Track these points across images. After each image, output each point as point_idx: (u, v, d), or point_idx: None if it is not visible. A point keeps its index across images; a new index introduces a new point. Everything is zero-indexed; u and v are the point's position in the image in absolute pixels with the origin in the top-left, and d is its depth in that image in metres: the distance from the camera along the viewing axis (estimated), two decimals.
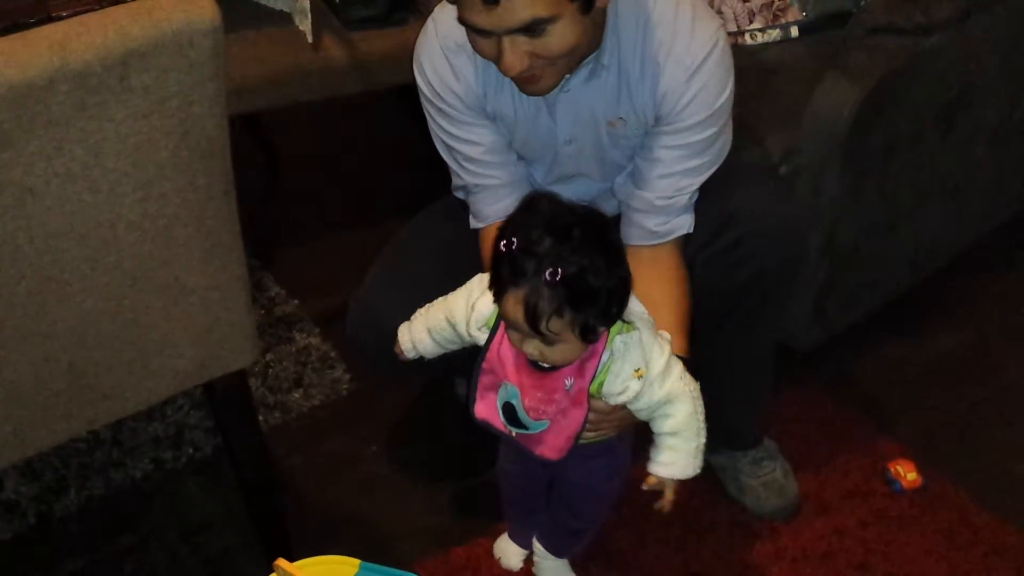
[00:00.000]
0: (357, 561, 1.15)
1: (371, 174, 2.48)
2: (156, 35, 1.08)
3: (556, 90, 1.35)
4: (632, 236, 1.43)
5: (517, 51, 1.24)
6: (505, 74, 1.28)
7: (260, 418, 1.72)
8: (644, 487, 1.34)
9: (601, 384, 1.26)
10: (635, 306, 1.26)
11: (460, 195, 1.54)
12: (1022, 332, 2.03)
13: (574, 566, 1.60)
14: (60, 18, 1.09)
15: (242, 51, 1.80)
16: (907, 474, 1.74)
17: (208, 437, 1.84)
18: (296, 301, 2.11)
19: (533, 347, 1.21)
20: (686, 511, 1.69)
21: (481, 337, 1.30)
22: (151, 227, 1.20)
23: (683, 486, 1.34)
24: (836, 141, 1.65)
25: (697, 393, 1.30)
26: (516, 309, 1.17)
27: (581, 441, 1.31)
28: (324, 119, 2.49)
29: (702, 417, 1.30)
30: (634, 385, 1.25)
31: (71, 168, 1.11)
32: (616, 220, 1.47)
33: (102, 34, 1.05)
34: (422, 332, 1.38)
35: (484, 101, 1.41)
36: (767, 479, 1.71)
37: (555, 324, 1.16)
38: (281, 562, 1.12)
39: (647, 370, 1.25)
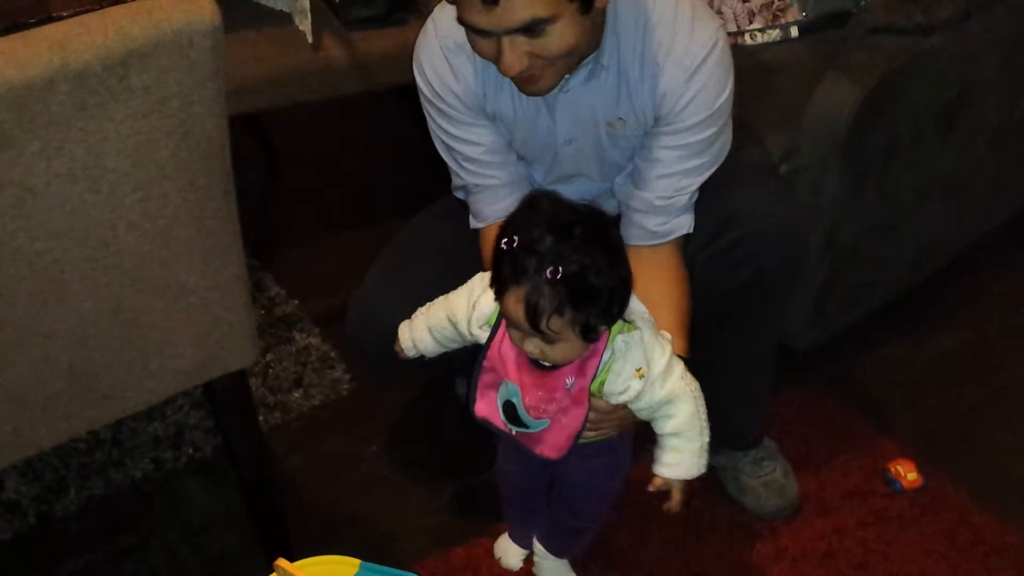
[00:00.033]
0: (357, 561, 1.15)
1: (371, 174, 2.48)
2: (156, 35, 1.08)
3: (556, 90, 1.35)
4: (632, 236, 1.43)
5: (516, 51, 1.24)
6: (504, 74, 1.28)
7: (260, 418, 1.72)
8: (650, 488, 1.34)
9: (602, 383, 1.26)
10: (636, 305, 1.26)
11: (460, 195, 1.54)
12: (1022, 332, 2.03)
13: (574, 566, 1.60)
14: (60, 18, 1.09)
15: (242, 51, 1.80)
16: (907, 474, 1.74)
17: (208, 437, 1.84)
18: (296, 301, 2.11)
19: (534, 346, 1.21)
20: (686, 511, 1.68)
21: (482, 335, 1.30)
22: (151, 227, 1.20)
23: (687, 485, 1.34)
24: (836, 141, 1.65)
25: (698, 392, 1.30)
26: (517, 307, 1.17)
27: (581, 440, 1.31)
28: (324, 119, 2.49)
29: (704, 416, 1.30)
30: (635, 384, 1.25)
31: (71, 168, 1.11)
32: (616, 220, 1.47)
33: (102, 34, 1.05)
34: (423, 331, 1.38)
35: (484, 101, 1.41)
36: (767, 479, 1.71)
37: (556, 323, 1.16)
38: (281, 562, 1.12)
39: (648, 369, 1.25)
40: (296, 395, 1.93)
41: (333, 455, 1.83)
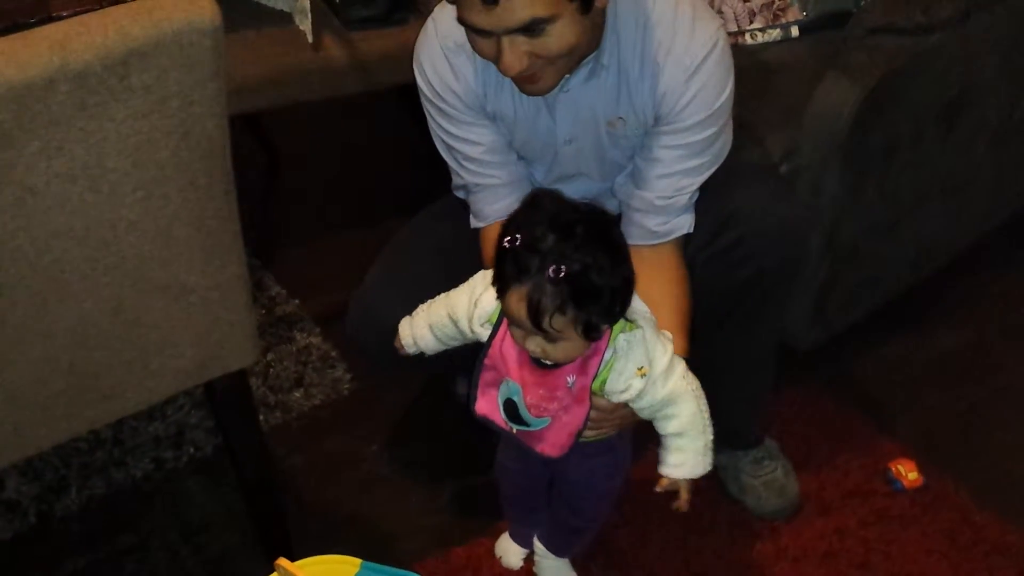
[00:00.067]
0: (358, 560, 1.15)
1: (371, 174, 2.48)
2: (156, 35, 1.08)
3: (556, 90, 1.35)
4: (632, 236, 1.42)
5: (516, 51, 1.24)
6: (504, 74, 1.28)
7: (261, 418, 1.72)
8: (657, 489, 1.34)
9: (604, 382, 1.26)
10: (638, 305, 1.26)
11: (460, 195, 1.54)
12: (1022, 332, 2.03)
13: (575, 565, 1.60)
14: (60, 18, 1.09)
15: (242, 51, 1.80)
16: (908, 473, 1.74)
17: (209, 437, 1.84)
18: (297, 301, 2.11)
19: (536, 344, 1.21)
20: (686, 511, 1.69)
21: (483, 333, 1.30)
22: (151, 227, 1.20)
23: (694, 483, 1.34)
24: (836, 141, 1.65)
25: (700, 391, 1.30)
26: (519, 306, 1.17)
27: (582, 439, 1.31)
28: (324, 119, 2.49)
29: (707, 414, 1.31)
30: (637, 383, 1.25)
31: (71, 168, 1.11)
32: (617, 219, 1.47)
33: (102, 34, 1.05)
34: (423, 328, 1.38)
35: (484, 101, 1.41)
36: (768, 479, 1.71)
37: (558, 321, 1.16)
38: (282, 561, 1.12)
39: (650, 368, 1.25)
40: (297, 395, 1.93)
41: (334, 455, 1.83)
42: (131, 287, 1.23)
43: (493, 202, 1.47)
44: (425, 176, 1.65)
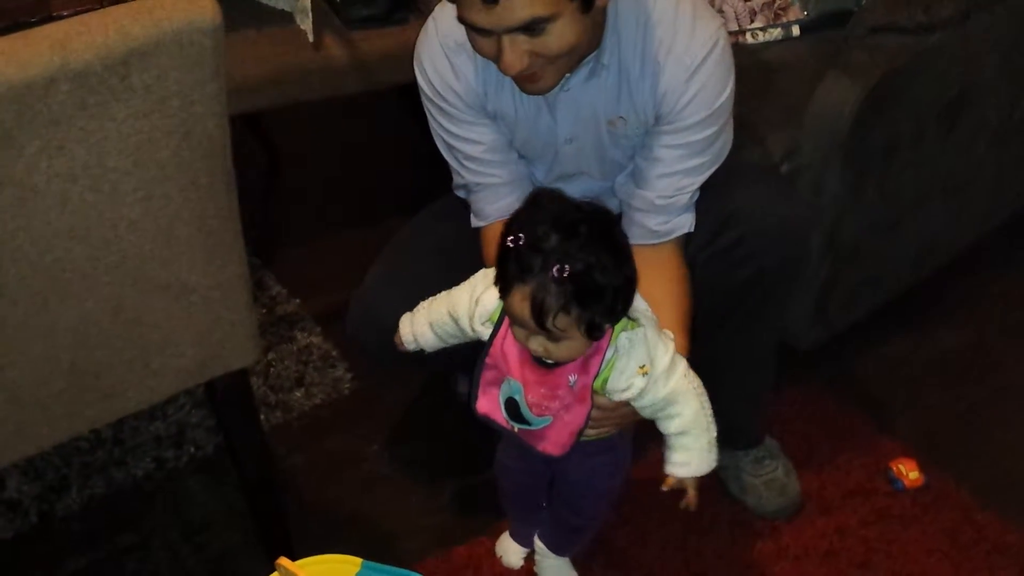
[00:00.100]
0: (359, 560, 1.15)
1: (372, 173, 2.48)
2: (157, 34, 1.08)
3: (556, 89, 1.35)
4: (633, 235, 1.42)
5: (517, 50, 1.24)
6: (505, 73, 1.28)
7: (261, 417, 1.72)
8: (664, 488, 1.34)
9: (605, 380, 1.26)
10: (639, 303, 1.26)
11: (461, 194, 1.54)
12: (1022, 331, 2.03)
13: (575, 565, 1.60)
14: (61, 17, 1.09)
15: (243, 50, 1.80)
16: (909, 473, 1.74)
17: (210, 436, 1.84)
18: (297, 300, 2.11)
19: (538, 343, 1.21)
20: (687, 510, 1.69)
21: (484, 332, 1.30)
22: (152, 226, 1.20)
23: (700, 480, 1.34)
24: (837, 140, 1.65)
25: (701, 389, 1.30)
26: (522, 305, 1.17)
27: (583, 438, 1.31)
28: (325, 118, 2.49)
29: (709, 412, 1.31)
30: (638, 382, 1.25)
31: (72, 167, 1.11)
32: (617, 219, 1.47)
33: (103, 33, 1.05)
34: (424, 325, 1.38)
35: (484, 100, 1.41)
36: (769, 478, 1.71)
37: (561, 321, 1.16)
38: (283, 561, 1.12)
39: (652, 367, 1.25)
40: (297, 394, 1.93)
41: (334, 454, 1.83)
42: (132, 286, 1.23)
43: (494, 201, 1.47)
44: (426, 175, 1.65)
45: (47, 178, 1.10)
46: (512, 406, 1.29)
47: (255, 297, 1.65)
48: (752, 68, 1.79)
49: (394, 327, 1.42)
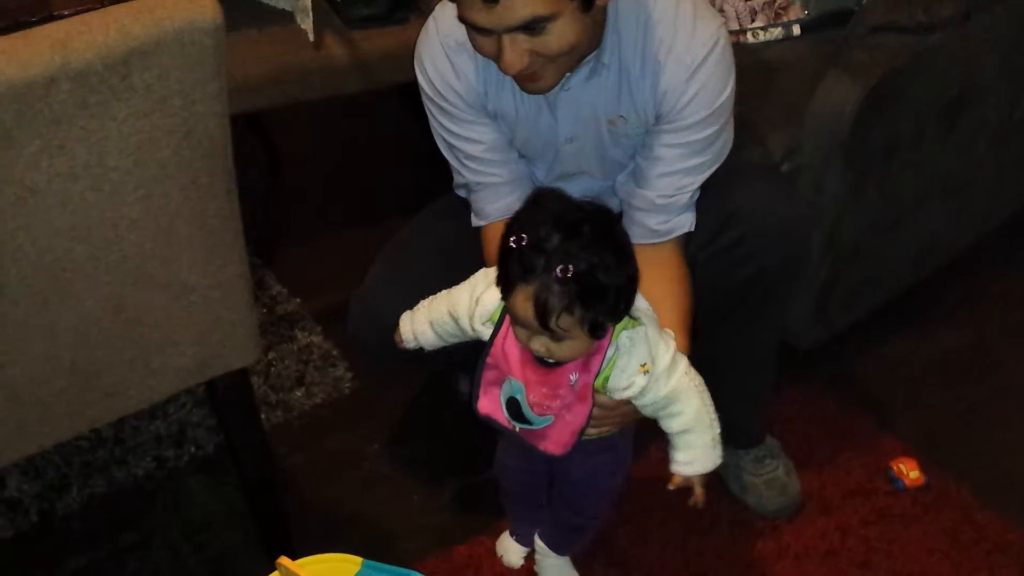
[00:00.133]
0: (359, 559, 1.15)
1: (372, 173, 2.48)
2: (158, 34, 1.08)
3: (557, 88, 1.35)
4: (633, 235, 1.42)
5: (517, 49, 1.24)
6: (505, 72, 1.28)
7: (262, 416, 1.72)
8: (670, 487, 1.35)
9: (606, 379, 1.26)
10: (640, 302, 1.26)
11: (462, 193, 1.54)
12: (1022, 331, 2.03)
13: (576, 564, 1.60)
14: (62, 16, 1.09)
15: (244, 50, 1.80)
16: (909, 472, 1.74)
17: (210, 435, 1.84)
18: (298, 299, 2.11)
19: (540, 344, 1.21)
20: (687, 509, 1.69)
21: (484, 332, 1.30)
22: (153, 225, 1.20)
23: (706, 477, 1.34)
24: (838, 139, 1.65)
25: (703, 387, 1.30)
26: (526, 306, 1.17)
27: (584, 438, 1.31)
28: (325, 118, 2.50)
29: (712, 409, 1.31)
30: (640, 380, 1.25)
31: (73, 167, 1.11)
32: (618, 218, 1.47)
33: (104, 33, 1.05)
34: (424, 324, 1.38)
35: (485, 99, 1.41)
36: (769, 477, 1.71)
37: (565, 321, 1.16)
38: (283, 560, 1.12)
39: (653, 365, 1.25)
40: (298, 393, 1.93)
41: (335, 453, 1.83)
42: (133, 286, 1.23)
43: (494, 200, 1.47)
44: (426, 175, 1.65)
45: (48, 177, 1.10)
46: (513, 406, 1.29)
47: (255, 296, 1.65)
48: (753, 67, 1.79)
49: (394, 326, 1.42)
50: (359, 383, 1.94)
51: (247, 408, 1.51)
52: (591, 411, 1.28)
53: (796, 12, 1.92)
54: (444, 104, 1.42)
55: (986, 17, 1.76)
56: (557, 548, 1.57)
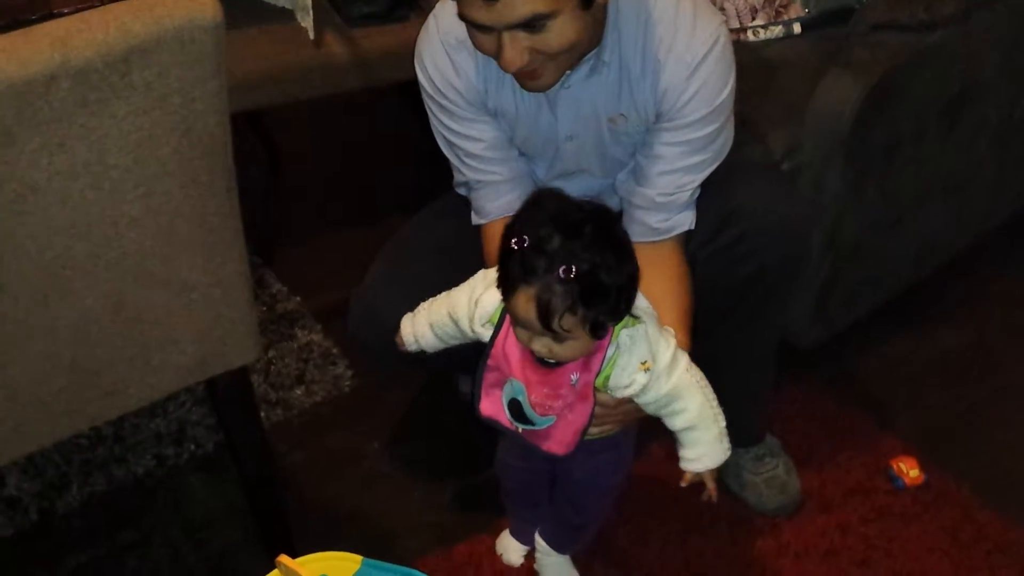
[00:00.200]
0: (359, 557, 1.15)
1: (372, 171, 2.48)
2: (158, 31, 1.07)
3: (557, 86, 1.35)
4: (634, 233, 1.42)
5: (517, 47, 1.24)
6: (505, 70, 1.28)
7: (262, 414, 1.72)
8: (682, 484, 1.35)
9: (607, 378, 1.26)
10: (640, 301, 1.26)
11: (462, 191, 1.54)
12: (1022, 331, 2.03)
13: (576, 563, 1.60)
14: (62, 14, 1.09)
15: (243, 48, 1.80)
16: (909, 471, 1.74)
17: (210, 433, 1.84)
18: (298, 298, 2.11)
19: (542, 344, 1.20)
20: (687, 508, 1.69)
21: (484, 333, 1.30)
22: (153, 224, 1.20)
23: (716, 472, 1.35)
24: (838, 138, 1.65)
25: (705, 382, 1.30)
26: (528, 307, 1.16)
27: (587, 437, 1.31)
28: (325, 116, 2.49)
29: (715, 403, 1.31)
30: (641, 378, 1.25)
31: (73, 165, 1.11)
32: (618, 216, 1.47)
33: (104, 30, 1.05)
34: (424, 326, 1.38)
35: (485, 97, 1.41)
36: (769, 476, 1.71)
37: (567, 321, 1.16)
38: (283, 558, 1.12)
39: (654, 363, 1.25)
40: (298, 392, 1.93)
41: (335, 452, 1.83)
42: (132, 283, 1.23)
43: (495, 199, 1.47)
44: (426, 173, 1.65)
45: (48, 175, 1.10)
46: (515, 407, 1.29)
47: (255, 295, 1.65)
48: (753, 66, 1.79)
49: (395, 325, 1.42)
50: (359, 381, 1.94)
51: (247, 406, 1.51)
52: (593, 410, 1.28)
53: (797, 10, 1.92)
54: (444, 102, 1.42)
55: (987, 15, 1.76)
56: (557, 547, 1.57)
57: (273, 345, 2.01)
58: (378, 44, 1.88)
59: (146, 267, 1.22)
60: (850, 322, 1.92)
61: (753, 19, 1.92)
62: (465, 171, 1.48)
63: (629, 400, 1.30)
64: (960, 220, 2.01)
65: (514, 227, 1.20)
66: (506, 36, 1.23)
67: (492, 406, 1.32)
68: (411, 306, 1.41)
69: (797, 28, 1.92)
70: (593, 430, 1.31)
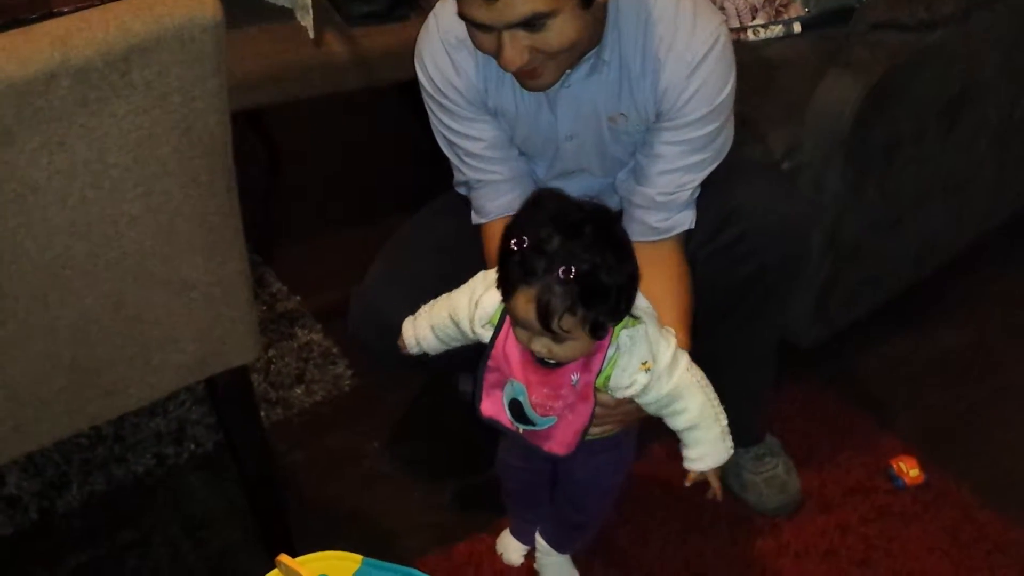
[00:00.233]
0: (359, 557, 1.15)
1: (372, 170, 2.48)
2: (158, 30, 1.07)
3: (557, 85, 1.35)
4: (634, 232, 1.42)
5: (517, 46, 1.24)
6: (505, 69, 1.28)
7: (262, 414, 1.72)
8: (687, 484, 1.35)
9: (608, 378, 1.26)
10: (640, 300, 1.26)
11: (462, 191, 1.54)
12: (1022, 331, 2.03)
13: (576, 563, 1.60)
14: (61, 13, 1.09)
15: (243, 47, 1.80)
16: (909, 470, 1.74)
17: (210, 433, 1.84)
18: (298, 297, 2.11)
19: (542, 345, 1.20)
20: (687, 508, 1.69)
21: (485, 334, 1.30)
22: (153, 223, 1.20)
23: (719, 470, 1.35)
24: (838, 137, 1.65)
25: (705, 381, 1.30)
26: (527, 308, 1.16)
27: (588, 437, 1.31)
28: (325, 115, 2.49)
29: (716, 402, 1.31)
30: (641, 378, 1.25)
31: (73, 164, 1.11)
32: (618, 216, 1.46)
33: (103, 29, 1.05)
34: (426, 329, 1.38)
35: (485, 96, 1.41)
36: (769, 475, 1.71)
37: (567, 322, 1.16)
38: (283, 558, 1.12)
39: (654, 363, 1.25)
40: (298, 391, 1.93)
41: (335, 451, 1.83)
42: (132, 283, 1.23)
43: (495, 198, 1.47)
44: (426, 172, 1.65)
45: (48, 174, 1.10)
46: (516, 407, 1.29)
47: (255, 294, 1.65)
48: (753, 65, 1.79)
49: (395, 325, 1.42)
50: (359, 381, 1.94)
51: (247, 405, 1.51)
52: (594, 410, 1.28)
53: (797, 9, 1.92)
54: (444, 101, 1.42)
55: (987, 15, 1.76)
56: (558, 546, 1.57)
57: (273, 344, 2.01)
58: (378, 43, 1.88)
59: (146, 266, 1.22)
60: (850, 322, 1.92)
61: (753, 18, 1.92)
62: (465, 170, 1.48)
63: (630, 400, 1.30)
64: (960, 220, 2.00)
65: (514, 227, 1.19)
66: (506, 35, 1.23)
67: (493, 406, 1.32)
68: (411, 305, 1.41)
69: (797, 27, 1.92)
70: (594, 430, 1.31)
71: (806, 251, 1.54)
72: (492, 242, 1.39)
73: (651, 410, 1.31)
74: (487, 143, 1.44)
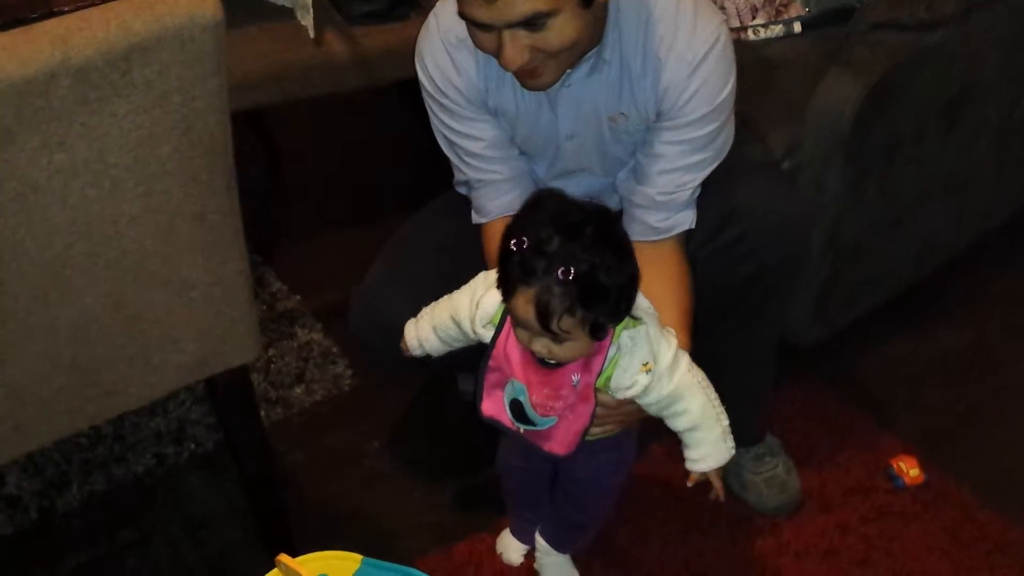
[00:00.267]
0: (359, 556, 1.15)
1: (373, 170, 2.48)
2: (158, 30, 1.07)
3: (557, 85, 1.35)
4: (634, 232, 1.42)
5: (517, 45, 1.24)
6: (506, 68, 1.28)
7: (262, 413, 1.72)
8: (689, 484, 1.35)
9: (608, 379, 1.26)
10: (641, 301, 1.26)
11: (462, 190, 1.54)
12: (1022, 331, 2.03)
13: (576, 563, 1.60)
14: (62, 13, 1.09)
15: (244, 46, 1.80)
16: (909, 470, 1.74)
17: (210, 432, 1.84)
18: (298, 297, 2.11)
19: (542, 345, 1.20)
20: (687, 508, 1.69)
21: (486, 335, 1.30)
22: (153, 222, 1.20)
23: (722, 470, 1.35)
24: (839, 137, 1.65)
25: (706, 382, 1.30)
26: (527, 308, 1.16)
27: (588, 438, 1.31)
28: (326, 115, 2.49)
29: (717, 403, 1.31)
30: (642, 379, 1.25)
31: (73, 163, 1.11)
32: (618, 216, 1.46)
33: (104, 29, 1.05)
34: (428, 331, 1.38)
35: (486, 96, 1.41)
36: (769, 475, 1.71)
37: (566, 322, 1.16)
38: (283, 557, 1.12)
39: (655, 364, 1.25)
40: (298, 391, 1.93)
41: (335, 451, 1.83)
42: (132, 282, 1.23)
43: (495, 198, 1.47)
44: (427, 172, 1.65)
45: (48, 174, 1.10)
46: (517, 408, 1.29)
47: (255, 293, 1.65)
48: (754, 65, 1.79)
49: (395, 324, 1.42)
50: (359, 380, 1.94)
51: (247, 405, 1.51)
52: (594, 411, 1.28)
53: (797, 9, 1.92)
54: (445, 101, 1.42)
55: (987, 15, 1.76)
56: (558, 546, 1.57)
57: (273, 344, 2.01)
58: (378, 43, 1.88)
59: (146, 266, 1.22)
60: (850, 322, 1.92)
61: (753, 18, 1.92)
62: (465, 170, 1.48)
63: (630, 401, 1.30)
64: (960, 220, 2.00)
65: (514, 228, 1.19)
66: (506, 34, 1.23)
67: (494, 406, 1.32)
68: (411, 305, 1.41)
69: (797, 27, 1.92)
70: (595, 430, 1.31)
71: (806, 251, 1.54)
72: (492, 242, 1.39)
73: (652, 411, 1.31)
74: (487, 143, 1.44)
